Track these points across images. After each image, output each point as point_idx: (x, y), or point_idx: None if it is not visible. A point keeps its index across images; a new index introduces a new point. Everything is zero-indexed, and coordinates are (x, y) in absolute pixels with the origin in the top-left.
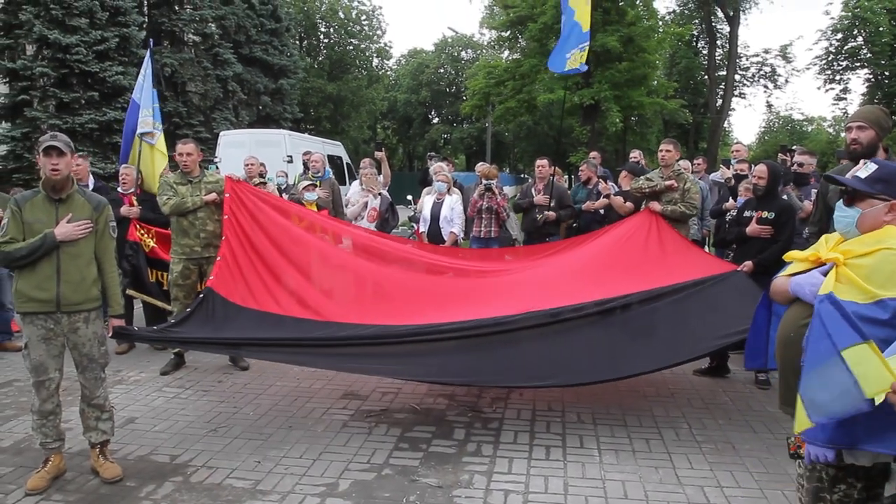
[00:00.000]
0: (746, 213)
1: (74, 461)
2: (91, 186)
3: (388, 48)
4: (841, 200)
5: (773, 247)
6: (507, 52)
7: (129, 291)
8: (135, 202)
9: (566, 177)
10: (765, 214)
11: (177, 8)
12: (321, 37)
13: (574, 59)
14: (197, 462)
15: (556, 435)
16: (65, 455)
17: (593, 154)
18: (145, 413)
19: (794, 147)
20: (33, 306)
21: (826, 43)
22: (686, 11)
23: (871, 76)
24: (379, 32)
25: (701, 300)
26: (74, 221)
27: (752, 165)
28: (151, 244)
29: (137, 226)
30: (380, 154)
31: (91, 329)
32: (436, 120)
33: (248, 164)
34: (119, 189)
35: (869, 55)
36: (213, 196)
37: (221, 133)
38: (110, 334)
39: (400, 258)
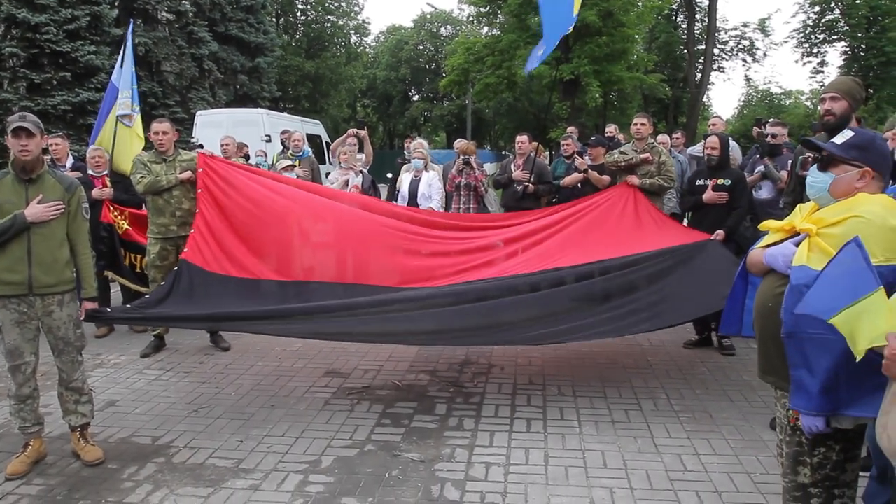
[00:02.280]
0: (699, 182)
1: (55, 445)
2: (69, 166)
3: (366, 25)
4: (815, 165)
5: (733, 214)
6: (486, 28)
7: (108, 273)
8: (108, 183)
9: (547, 153)
10: (721, 181)
11: None
12: (298, 14)
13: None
14: (179, 443)
15: (536, 408)
16: (45, 439)
17: (571, 128)
18: (126, 396)
19: (769, 120)
20: (5, 289)
21: (804, 16)
22: None
23: (847, 49)
24: (357, 8)
25: (679, 267)
26: (46, 202)
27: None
28: (125, 226)
29: (111, 206)
30: (362, 132)
31: (66, 312)
32: (416, 97)
33: (224, 144)
34: (90, 171)
35: (846, 28)
36: (187, 174)
37: (198, 113)
38: (83, 317)
39: (383, 219)
